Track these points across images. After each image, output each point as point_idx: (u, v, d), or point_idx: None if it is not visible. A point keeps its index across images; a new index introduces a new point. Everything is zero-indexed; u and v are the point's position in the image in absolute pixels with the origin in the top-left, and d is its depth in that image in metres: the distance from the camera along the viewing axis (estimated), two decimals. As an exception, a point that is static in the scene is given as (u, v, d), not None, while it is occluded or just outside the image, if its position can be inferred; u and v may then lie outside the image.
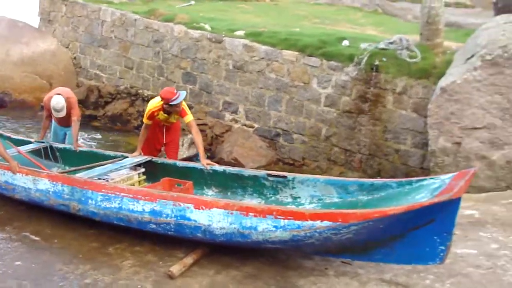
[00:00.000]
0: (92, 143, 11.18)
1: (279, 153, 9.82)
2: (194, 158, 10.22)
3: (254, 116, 10.10)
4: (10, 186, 7.39)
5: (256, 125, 10.09)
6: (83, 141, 11.09)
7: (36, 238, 6.84)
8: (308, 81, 9.20)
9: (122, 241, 6.59)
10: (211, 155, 10.33)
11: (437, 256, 5.03)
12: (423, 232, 4.98)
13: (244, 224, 5.48)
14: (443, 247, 4.97)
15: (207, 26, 10.99)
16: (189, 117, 7.42)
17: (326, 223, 4.99)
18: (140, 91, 12.08)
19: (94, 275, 5.86)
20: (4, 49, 13.63)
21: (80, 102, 12.78)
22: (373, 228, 4.97)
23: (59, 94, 8.48)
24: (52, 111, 8.41)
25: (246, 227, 5.47)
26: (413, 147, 8.17)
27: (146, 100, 11.77)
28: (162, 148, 8.22)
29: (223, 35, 10.48)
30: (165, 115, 7.46)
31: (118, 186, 6.53)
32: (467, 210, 7.21)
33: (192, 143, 10.25)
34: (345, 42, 9.28)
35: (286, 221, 5.21)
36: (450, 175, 5.26)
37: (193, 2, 16.32)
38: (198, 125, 10.57)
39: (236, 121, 10.37)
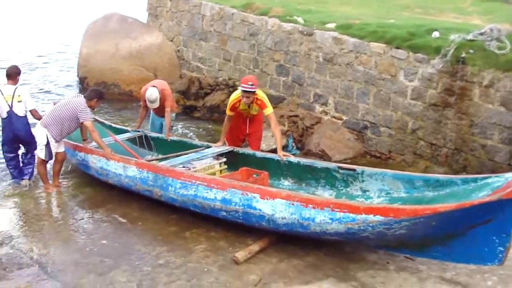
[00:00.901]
0: (191, 133, 11.75)
1: (367, 146, 9.78)
2: (285, 149, 10.47)
3: (343, 109, 10.12)
4: (104, 172, 8.10)
5: (344, 117, 10.11)
6: (182, 131, 11.73)
7: (123, 220, 7.49)
8: (395, 73, 9.07)
9: (199, 227, 7.04)
10: (301, 146, 10.51)
11: (496, 257, 4.94)
12: (481, 231, 4.91)
13: (304, 215, 5.67)
14: (502, 248, 4.87)
15: (299, 19, 11.12)
16: (269, 110, 7.69)
17: (378, 217, 5.06)
18: (237, 82, 12.46)
19: (168, 257, 6.34)
20: (114, 43, 14.58)
21: (182, 93, 13.50)
22: (426, 225, 4.95)
23: (154, 86, 9.07)
24: (147, 102, 9.00)
25: (305, 218, 5.65)
26: (500, 142, 7.81)
27: (243, 91, 12.17)
28: (246, 138, 8.55)
29: (314, 28, 10.57)
30: (246, 106, 7.75)
31: (195, 175, 6.94)
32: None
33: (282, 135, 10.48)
34: (435, 34, 9.00)
35: (341, 214, 5.34)
36: (516, 173, 5.10)
37: (295, -6, 16.46)
38: (289, 116, 10.88)
39: (326, 113, 10.45)
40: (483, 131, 8.02)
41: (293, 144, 10.47)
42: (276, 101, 11.48)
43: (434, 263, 5.73)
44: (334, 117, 10.29)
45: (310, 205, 5.60)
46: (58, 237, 7.01)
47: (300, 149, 10.41)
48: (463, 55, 8.07)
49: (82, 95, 8.24)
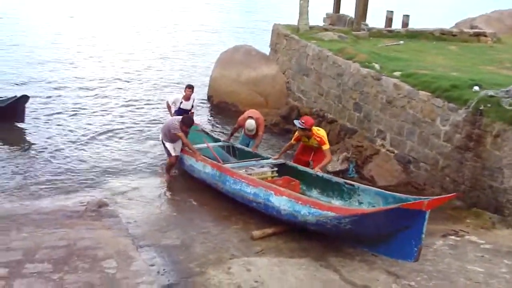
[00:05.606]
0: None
1: (409, 177, 11.50)
2: (346, 172, 12.54)
3: (396, 144, 11.94)
4: (192, 168, 10.84)
5: (396, 151, 11.93)
6: (272, 148, 14.21)
7: (195, 203, 10.18)
8: (434, 118, 10.78)
9: (244, 215, 9.46)
10: (360, 172, 12.48)
11: (413, 256, 6.79)
12: (405, 235, 6.78)
13: (295, 209, 7.93)
14: (416, 249, 6.72)
15: (376, 66, 13.10)
16: (326, 147, 9.79)
17: (332, 213, 7.18)
18: (326, 114, 14.70)
19: (210, 229, 8.88)
20: (238, 71, 17.50)
21: (283, 117, 15.99)
22: (362, 223, 6.94)
23: (251, 117, 11.53)
24: (246, 131, 11.59)
25: (296, 210, 7.89)
26: (501, 184, 9.27)
27: (329, 122, 14.41)
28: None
29: (382, 74, 12.53)
30: (306, 139, 9.98)
31: (242, 174, 9.41)
32: None
33: (345, 160, 12.54)
34: (475, 88, 10.50)
35: (314, 209, 7.51)
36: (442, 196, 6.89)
37: (402, 42, 18.08)
38: (356, 146, 12.91)
39: (384, 146, 12.32)
40: (491, 174, 9.52)
41: (353, 169, 12.47)
42: (350, 132, 13.58)
43: (391, 261, 7.54)
44: (388, 150, 12.15)
45: (299, 202, 7.84)
46: (146, 205, 9.91)
47: (358, 174, 12.39)
48: (481, 107, 9.65)
49: (181, 118, 10.99)
